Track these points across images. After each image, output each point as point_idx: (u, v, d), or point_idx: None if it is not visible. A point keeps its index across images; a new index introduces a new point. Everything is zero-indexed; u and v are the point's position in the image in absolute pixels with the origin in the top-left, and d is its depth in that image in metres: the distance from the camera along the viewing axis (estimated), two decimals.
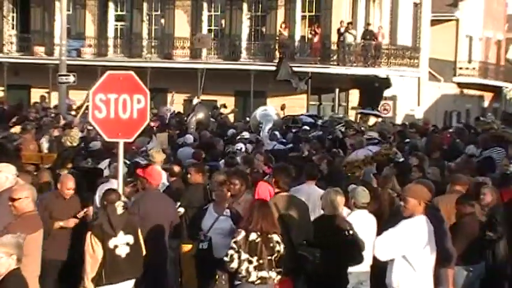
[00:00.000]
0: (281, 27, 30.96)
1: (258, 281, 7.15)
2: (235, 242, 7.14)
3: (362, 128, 21.66)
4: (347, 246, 7.75)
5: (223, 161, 12.93)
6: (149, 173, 9.06)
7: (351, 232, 7.79)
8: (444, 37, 38.96)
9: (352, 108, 30.02)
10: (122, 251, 7.41)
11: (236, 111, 28.01)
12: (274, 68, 28.39)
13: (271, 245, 7.17)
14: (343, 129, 19.93)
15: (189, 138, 16.95)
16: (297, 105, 28.56)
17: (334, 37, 30.76)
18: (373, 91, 26.15)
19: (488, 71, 42.71)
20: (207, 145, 15.61)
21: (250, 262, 7.11)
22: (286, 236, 7.64)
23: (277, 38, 31.16)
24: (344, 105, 32.43)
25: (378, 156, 12.95)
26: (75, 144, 14.81)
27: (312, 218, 8.42)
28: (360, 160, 12.71)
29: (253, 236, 7.14)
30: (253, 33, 32.73)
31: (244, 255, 7.11)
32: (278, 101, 26.67)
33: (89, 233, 7.40)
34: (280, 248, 7.23)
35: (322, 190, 9.21)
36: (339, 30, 30.42)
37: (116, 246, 7.37)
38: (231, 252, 7.13)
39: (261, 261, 7.13)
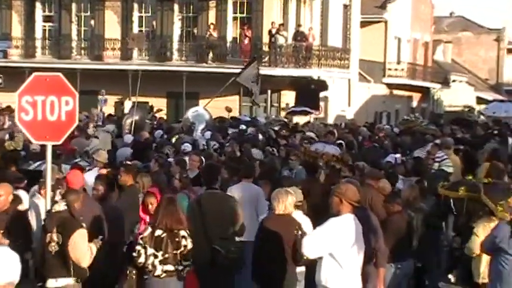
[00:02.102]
0: (209, 28, 30.93)
1: (164, 275, 7.53)
2: (142, 238, 7.53)
3: (296, 127, 22.00)
4: (296, 245, 7.79)
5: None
6: (69, 178, 8.96)
7: (300, 232, 7.87)
8: (373, 38, 39.64)
9: (283, 108, 30.24)
10: (52, 248, 7.37)
11: (160, 111, 27.77)
12: (207, 70, 28.49)
13: (177, 239, 7.54)
14: (276, 129, 20.13)
15: (128, 138, 16.86)
16: (231, 106, 28.55)
17: (265, 38, 30.91)
18: (309, 93, 26.49)
19: (417, 72, 43.63)
20: (142, 146, 15.55)
21: (155, 256, 7.48)
22: (204, 230, 8.15)
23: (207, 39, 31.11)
24: (276, 106, 32.62)
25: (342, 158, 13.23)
26: (19, 148, 14.70)
27: (249, 214, 8.84)
28: (329, 154, 12.91)
29: (158, 232, 7.52)
30: (184, 34, 32.62)
31: (150, 250, 7.48)
32: (210, 103, 26.59)
33: None
34: (187, 242, 7.58)
35: (257, 187, 9.86)
36: (270, 31, 30.59)
37: (49, 242, 7.36)
38: (138, 247, 7.52)
39: (166, 256, 7.50)
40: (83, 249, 7.40)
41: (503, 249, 7.50)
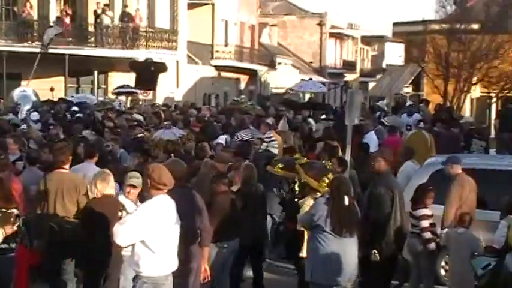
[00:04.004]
0: (26, 6, 29.64)
1: None
2: None
3: (124, 109, 21.75)
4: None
5: None
6: None
7: (124, 213, 7.85)
8: (201, 21, 39.79)
9: (112, 91, 29.66)
10: None
11: None
12: (28, 49, 27.41)
13: (12, 219, 7.38)
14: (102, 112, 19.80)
15: None
16: (56, 88, 27.69)
17: (91, 19, 30.17)
18: (148, 74, 26.35)
19: (244, 55, 44.31)
20: None
21: None
22: (47, 208, 8.50)
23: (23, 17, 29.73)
24: (104, 88, 32.03)
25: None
26: None
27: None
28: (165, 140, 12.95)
29: None
30: (4, 12, 31.06)
31: None
32: (34, 83, 25.63)
33: None
34: (19, 221, 7.51)
35: (98, 168, 9.89)
36: (95, 11, 29.91)
37: None
38: None
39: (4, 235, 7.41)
40: None
41: (320, 226, 7.80)
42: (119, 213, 7.85)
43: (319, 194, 9.10)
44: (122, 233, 6.56)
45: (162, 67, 27.67)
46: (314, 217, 7.82)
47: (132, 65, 27.47)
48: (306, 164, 9.93)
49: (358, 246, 8.13)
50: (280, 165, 10.06)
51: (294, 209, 9.24)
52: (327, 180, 9.14)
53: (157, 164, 7.30)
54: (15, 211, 7.53)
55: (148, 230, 6.55)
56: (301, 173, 9.74)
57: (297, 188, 9.74)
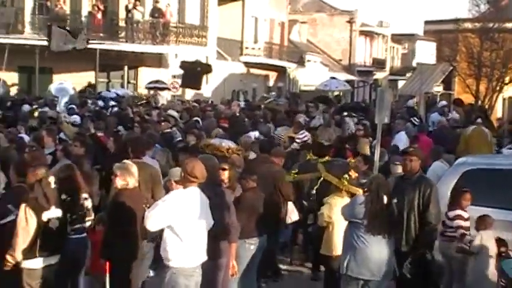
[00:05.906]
0: (58, 1, 29.90)
1: None
2: None
3: (156, 105, 21.92)
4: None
5: None
6: None
7: (148, 206, 7.84)
8: (231, 17, 39.84)
9: (146, 86, 29.88)
10: (54, 225, 7.33)
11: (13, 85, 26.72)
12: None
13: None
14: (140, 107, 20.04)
15: None
16: (86, 82, 27.92)
17: (122, 14, 30.34)
18: (194, 74, 26.90)
19: (273, 51, 44.30)
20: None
21: None
22: None
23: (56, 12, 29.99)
24: (133, 83, 32.23)
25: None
26: None
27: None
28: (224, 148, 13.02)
29: None
30: (37, 6, 31.32)
31: None
32: (66, 77, 25.82)
33: (23, 206, 7.14)
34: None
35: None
36: (126, 6, 30.10)
37: (49, 220, 7.27)
38: None
39: None
40: None
41: (358, 224, 7.76)
42: (144, 206, 7.89)
43: (343, 193, 9.14)
44: (152, 217, 6.78)
45: (207, 68, 28.52)
46: (355, 210, 7.81)
47: (182, 65, 27.99)
48: (327, 162, 9.97)
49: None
50: (294, 171, 10.06)
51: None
52: (347, 178, 9.25)
53: (193, 157, 7.47)
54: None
55: (176, 216, 6.75)
56: (322, 171, 9.78)
57: (313, 192, 9.75)
